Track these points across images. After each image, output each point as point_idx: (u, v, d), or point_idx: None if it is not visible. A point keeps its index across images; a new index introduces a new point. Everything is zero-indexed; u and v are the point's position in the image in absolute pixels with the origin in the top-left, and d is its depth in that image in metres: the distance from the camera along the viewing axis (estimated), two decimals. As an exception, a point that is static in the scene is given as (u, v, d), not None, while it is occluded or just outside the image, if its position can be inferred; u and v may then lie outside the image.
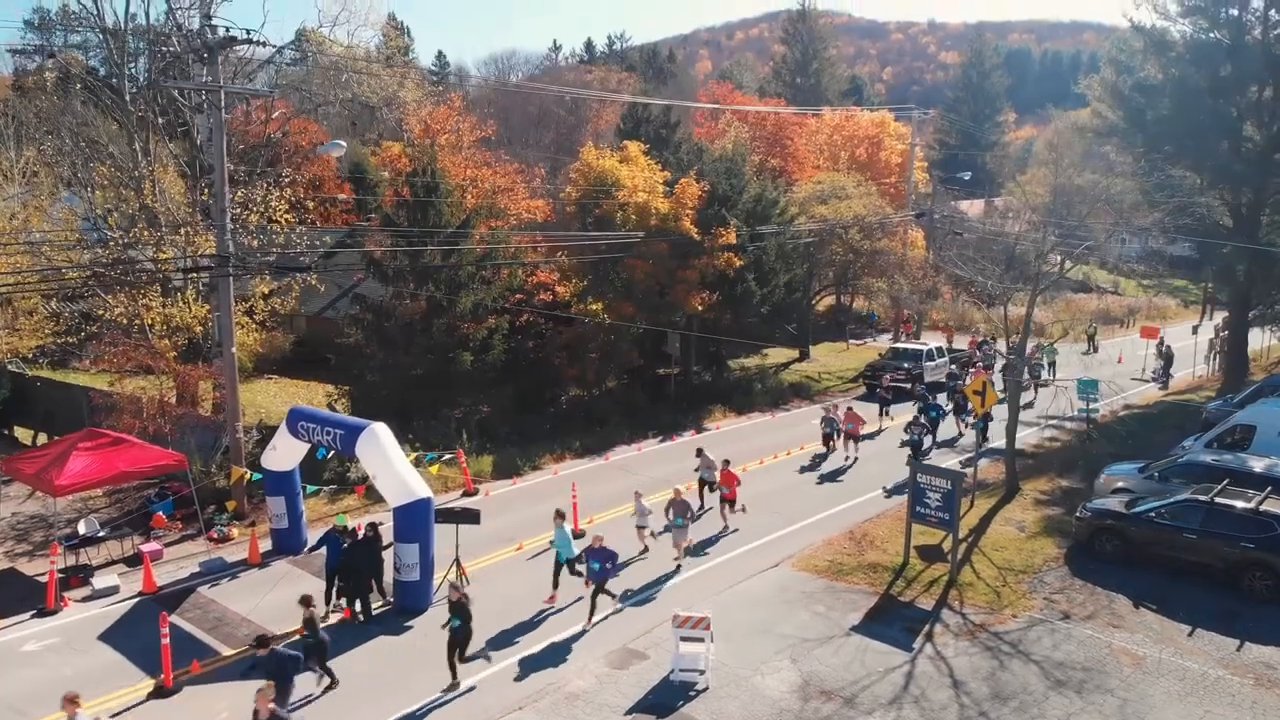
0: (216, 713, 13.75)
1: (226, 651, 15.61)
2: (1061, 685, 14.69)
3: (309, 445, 18.65)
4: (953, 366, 39.31)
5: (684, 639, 14.77)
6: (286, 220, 28.74)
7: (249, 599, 17.35)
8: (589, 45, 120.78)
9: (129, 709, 13.85)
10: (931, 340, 42.72)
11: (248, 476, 20.57)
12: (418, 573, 16.74)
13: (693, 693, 14.36)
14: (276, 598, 17.18)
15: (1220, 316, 46.90)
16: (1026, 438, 29.44)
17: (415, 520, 16.67)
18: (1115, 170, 39.78)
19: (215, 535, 20.45)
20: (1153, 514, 18.93)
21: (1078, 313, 63.67)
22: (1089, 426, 29.98)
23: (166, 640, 14.21)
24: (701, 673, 14.66)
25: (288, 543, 19.62)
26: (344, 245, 39.52)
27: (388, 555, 17.05)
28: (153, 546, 19.14)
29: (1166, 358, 41.75)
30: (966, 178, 66.94)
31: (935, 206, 52.11)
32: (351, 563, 16.40)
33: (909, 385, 35.51)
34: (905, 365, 37.50)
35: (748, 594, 17.98)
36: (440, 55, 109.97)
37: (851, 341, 51.40)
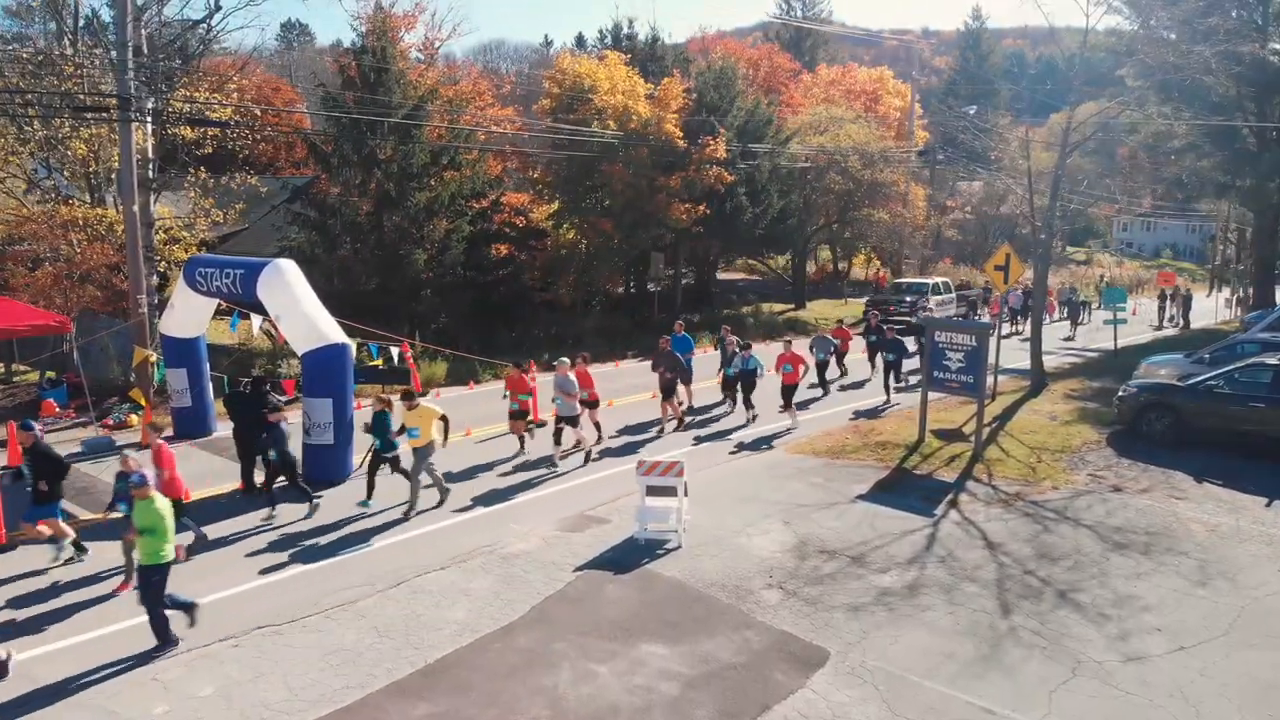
0: (43, 567, 10.76)
1: (84, 515, 12.62)
2: (1123, 548, 11.75)
3: (212, 300, 15.66)
4: (961, 307, 36.51)
5: (651, 489, 11.80)
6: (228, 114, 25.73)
7: (131, 473, 14.33)
8: (580, 40, 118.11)
9: (-62, 566, 10.87)
10: (937, 277, 39.85)
11: (153, 359, 17.60)
12: (330, 434, 13.74)
13: (660, 551, 11.40)
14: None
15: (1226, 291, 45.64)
16: (1049, 361, 26.60)
17: (330, 369, 13.70)
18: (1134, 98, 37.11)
19: (111, 422, 17.44)
20: (1213, 384, 16.02)
21: (1083, 279, 61.94)
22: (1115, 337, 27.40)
23: (-6, 485, 11.21)
24: (674, 532, 11.69)
25: (191, 425, 16.62)
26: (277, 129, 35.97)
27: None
28: (37, 426, 16.05)
29: (1185, 301, 39.25)
30: (972, 110, 64.54)
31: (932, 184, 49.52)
32: (240, 418, 13.39)
33: (910, 320, 32.48)
34: (908, 299, 34.63)
35: (732, 469, 15.05)
36: (338, 43, 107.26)
37: (849, 299, 48.70)
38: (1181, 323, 38.55)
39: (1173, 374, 18.75)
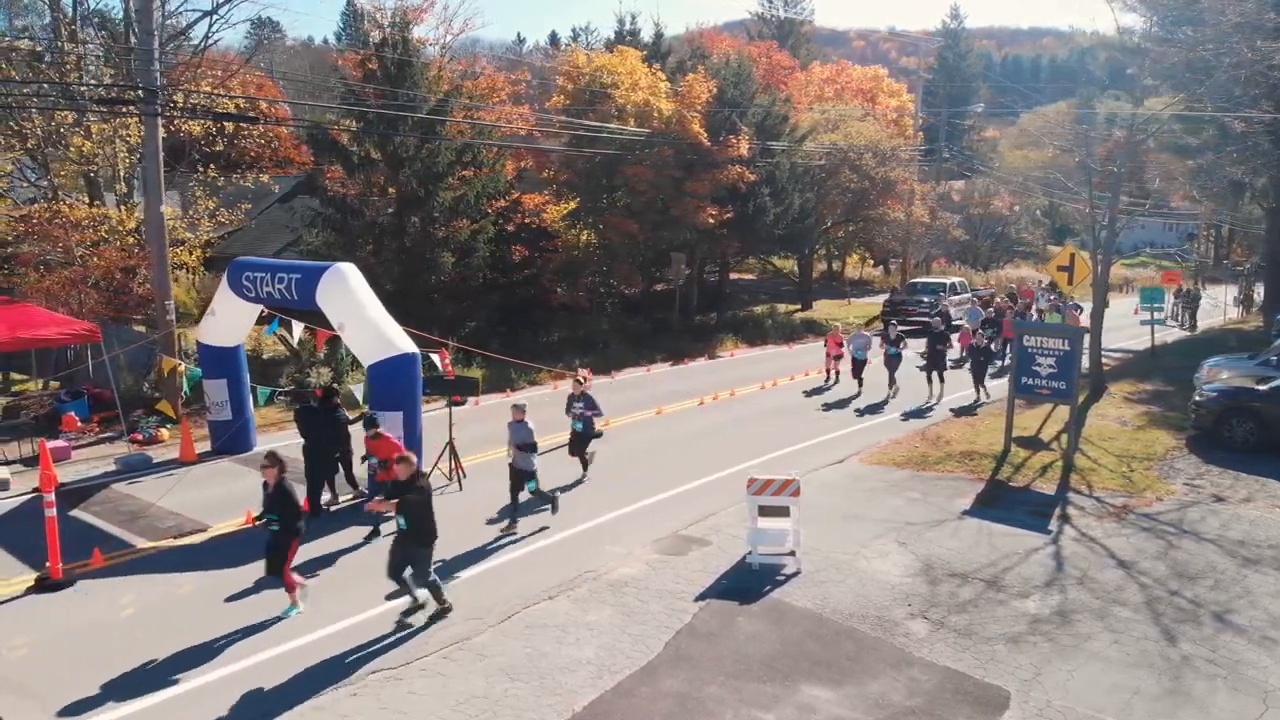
0: (120, 607, 9.76)
1: (141, 544, 11.60)
2: (1254, 563, 11.16)
3: (256, 307, 14.65)
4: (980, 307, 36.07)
5: (763, 510, 11.00)
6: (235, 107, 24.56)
7: (179, 495, 13.33)
8: (553, 37, 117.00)
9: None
10: (951, 277, 39.43)
11: (182, 369, 16.52)
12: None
13: (780, 577, 10.62)
14: (218, 493, 13.24)
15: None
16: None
17: (398, 381, 12.76)
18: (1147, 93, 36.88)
19: (140, 437, 16.35)
20: (1299, 387, 15.56)
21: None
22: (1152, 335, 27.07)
23: (51, 511, 10.16)
24: (791, 554, 10.91)
25: (231, 439, 15.58)
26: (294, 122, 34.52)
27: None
28: (58, 443, 14.99)
29: (1192, 300, 38.98)
30: (979, 109, 65.03)
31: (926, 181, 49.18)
32: (313, 434, 12.45)
33: (929, 320, 31.94)
34: (926, 300, 34.09)
35: (818, 483, 14.25)
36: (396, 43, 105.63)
37: (852, 299, 48.28)
38: (1190, 323, 38.23)
39: (1238, 376, 18.28)
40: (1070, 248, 18.85)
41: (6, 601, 9.86)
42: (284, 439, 16.95)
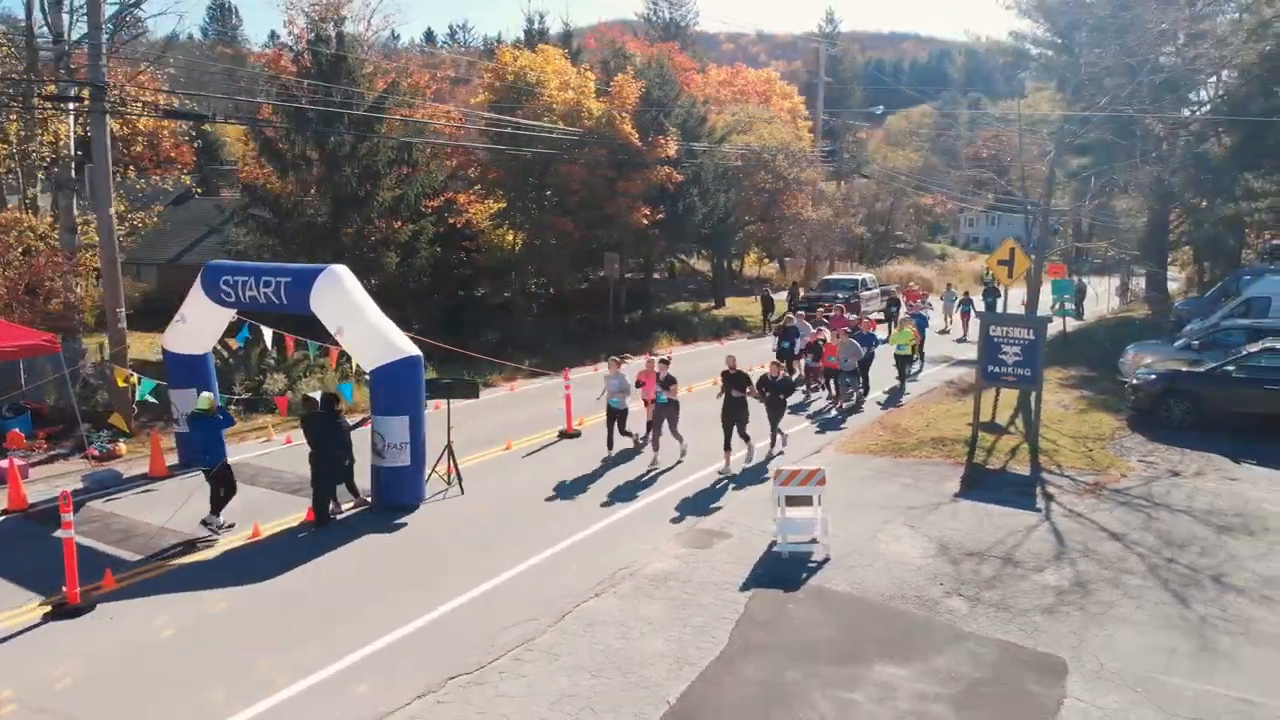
0: (156, 630, 9.29)
1: (149, 563, 11.05)
2: (1228, 530, 12.16)
3: (229, 313, 14.09)
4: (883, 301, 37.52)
5: (791, 500, 11.34)
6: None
7: (166, 511, 12.70)
8: (429, 35, 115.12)
9: (17, 634, 9.20)
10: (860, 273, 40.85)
11: (135, 381, 15.68)
12: (407, 455, 12.57)
13: (812, 564, 10.96)
14: (207, 507, 12.65)
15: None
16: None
17: (403, 385, 12.52)
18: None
19: (96, 453, 15.47)
20: (1230, 370, 16.91)
21: (955, 272, 65.34)
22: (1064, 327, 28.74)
23: (70, 533, 9.59)
24: (813, 542, 11.26)
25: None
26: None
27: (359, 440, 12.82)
28: (18, 461, 14.03)
29: (1079, 291, 41.53)
30: (879, 111, 67.61)
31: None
32: (321, 443, 12.07)
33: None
34: (840, 295, 35.31)
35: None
36: (274, 35, 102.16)
37: (757, 296, 49.39)
38: (1077, 313, 40.55)
39: (1163, 360, 19.68)
40: (1010, 242, 19.91)
41: (26, 630, 9.26)
42: (258, 449, 16.41)
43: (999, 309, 36.69)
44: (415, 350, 12.72)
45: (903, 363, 22.24)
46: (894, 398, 21.16)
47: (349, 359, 16.61)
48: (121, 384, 15.98)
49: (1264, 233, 43.67)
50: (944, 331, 32.59)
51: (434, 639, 9.18)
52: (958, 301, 33.20)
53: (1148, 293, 41.54)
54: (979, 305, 33.62)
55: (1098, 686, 8.24)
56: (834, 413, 19.60)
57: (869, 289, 36.72)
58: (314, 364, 20.17)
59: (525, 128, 26.68)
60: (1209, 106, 36.75)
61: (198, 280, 13.89)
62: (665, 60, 34.97)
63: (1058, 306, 30.58)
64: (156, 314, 26.40)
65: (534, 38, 41.56)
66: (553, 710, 7.84)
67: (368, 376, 13.00)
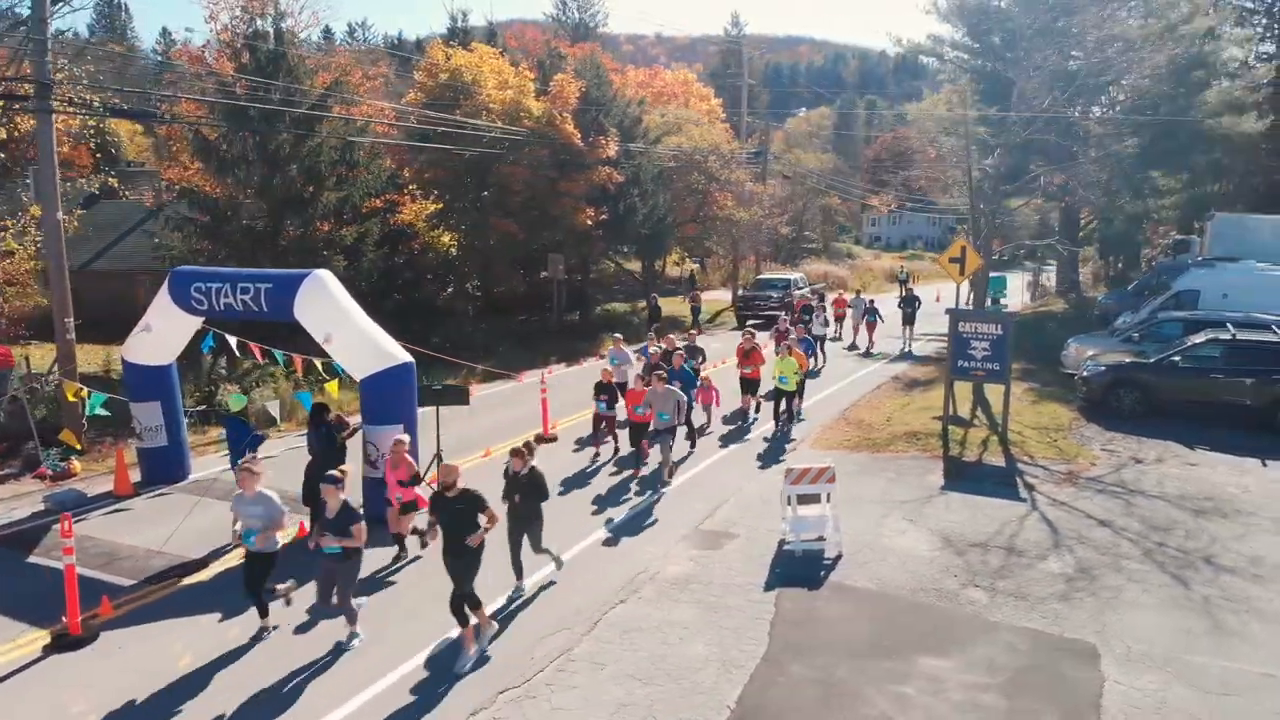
0: (175, 656, 8.80)
1: (142, 589, 10.45)
2: (1203, 513, 12.77)
3: (197, 321, 13.43)
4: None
5: (802, 498, 11.44)
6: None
7: (146, 532, 12.06)
8: (328, 32, 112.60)
9: (20, 669, 8.58)
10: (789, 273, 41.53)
11: (86, 394, 14.82)
12: (402, 466, 12.17)
13: (826, 561, 11.07)
14: (190, 526, 12.04)
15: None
16: (922, 347, 28.70)
17: (398, 393, 12.15)
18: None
19: (49, 472, 14.57)
20: (1176, 360, 17.76)
21: (867, 271, 67.09)
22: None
23: (71, 559, 8.98)
24: (821, 539, 11.37)
25: (165, 468, 14.20)
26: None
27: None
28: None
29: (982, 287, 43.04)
30: (801, 112, 68.59)
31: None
32: (321, 456, 11.61)
33: (780, 314, 33.67)
34: (775, 295, 35.90)
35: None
36: (165, 31, 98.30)
37: (684, 296, 49.76)
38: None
39: (1107, 352, 20.48)
40: (961, 240, 20.50)
41: (30, 665, 8.64)
42: (224, 464, 15.67)
43: (916, 319, 36.92)
44: (407, 357, 12.36)
45: (785, 400, 17.44)
46: (777, 446, 16.67)
47: (312, 368, 16.16)
48: (72, 398, 15.12)
49: (1160, 228, 46.26)
50: (852, 347, 28.85)
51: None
52: (863, 310, 28.56)
53: (1059, 288, 43.35)
54: (888, 311, 30.87)
55: (1130, 668, 8.55)
56: (633, 490, 14.13)
57: (800, 288, 37.31)
58: (266, 373, 19.47)
59: (464, 126, 26.24)
60: (1119, 108, 38.53)
61: (164, 288, 13.20)
62: (599, 61, 34.85)
63: (990, 302, 31.57)
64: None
65: (458, 35, 41.07)
66: (614, 718, 7.72)
67: (356, 384, 12.53)
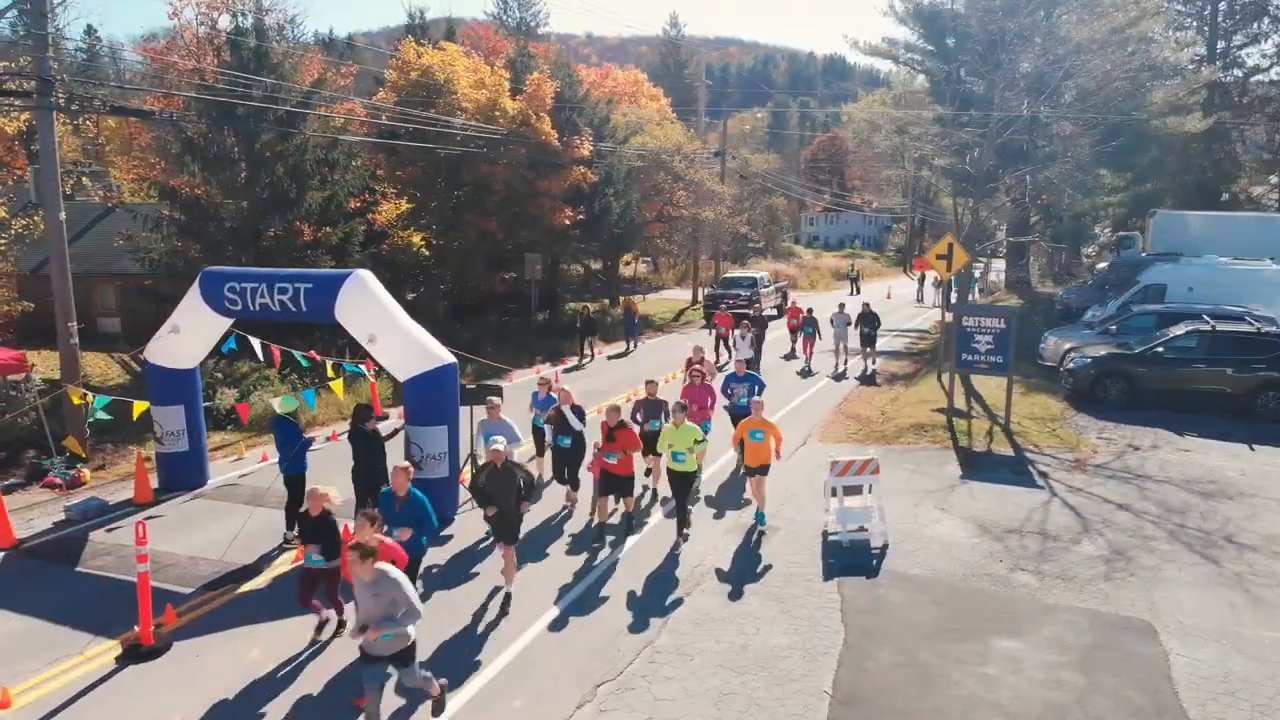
0: (254, 661, 8.71)
1: (200, 596, 10.29)
2: (1211, 496, 13.45)
3: (226, 322, 13.22)
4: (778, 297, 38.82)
5: (848, 490, 11.76)
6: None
7: (181, 540, 11.84)
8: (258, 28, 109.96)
9: (99, 682, 8.40)
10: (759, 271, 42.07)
11: (91, 400, 14.44)
12: (445, 466, 12.19)
13: (874, 550, 11.40)
14: (223, 532, 11.87)
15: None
16: (888, 343, 29.43)
17: (443, 394, 12.13)
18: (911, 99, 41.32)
19: (58, 481, 14.15)
20: (1159, 350, 18.57)
21: (814, 269, 68.19)
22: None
23: (145, 566, 8.82)
24: (862, 530, 11.70)
25: (185, 474, 13.92)
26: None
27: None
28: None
29: (947, 284, 44.16)
30: (760, 113, 69.16)
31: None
32: (368, 459, 11.50)
33: (749, 311, 34.17)
34: (742, 293, 36.36)
35: (813, 465, 15.17)
36: (91, 29, 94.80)
37: (649, 296, 50.07)
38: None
39: (1086, 345, 21.24)
40: (950, 237, 21.08)
41: (108, 677, 8.45)
42: (237, 469, 15.44)
43: (876, 339, 36.76)
44: (451, 358, 12.34)
45: (683, 483, 11.90)
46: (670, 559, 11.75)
47: (320, 367, 15.95)
48: (77, 402, 14.73)
49: (1103, 224, 48.02)
50: (791, 356, 26.67)
51: (555, 650, 9.03)
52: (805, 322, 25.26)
53: (1009, 283, 44.69)
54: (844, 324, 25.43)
55: (1189, 642, 9.03)
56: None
57: (766, 286, 37.84)
58: (263, 375, 19.15)
59: (438, 124, 26.06)
60: (1069, 109, 39.88)
61: (194, 288, 12.93)
62: (569, 61, 34.86)
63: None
64: (38, 334, 23.45)
65: (416, 32, 40.63)
66: (721, 709, 7.90)
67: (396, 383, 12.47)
